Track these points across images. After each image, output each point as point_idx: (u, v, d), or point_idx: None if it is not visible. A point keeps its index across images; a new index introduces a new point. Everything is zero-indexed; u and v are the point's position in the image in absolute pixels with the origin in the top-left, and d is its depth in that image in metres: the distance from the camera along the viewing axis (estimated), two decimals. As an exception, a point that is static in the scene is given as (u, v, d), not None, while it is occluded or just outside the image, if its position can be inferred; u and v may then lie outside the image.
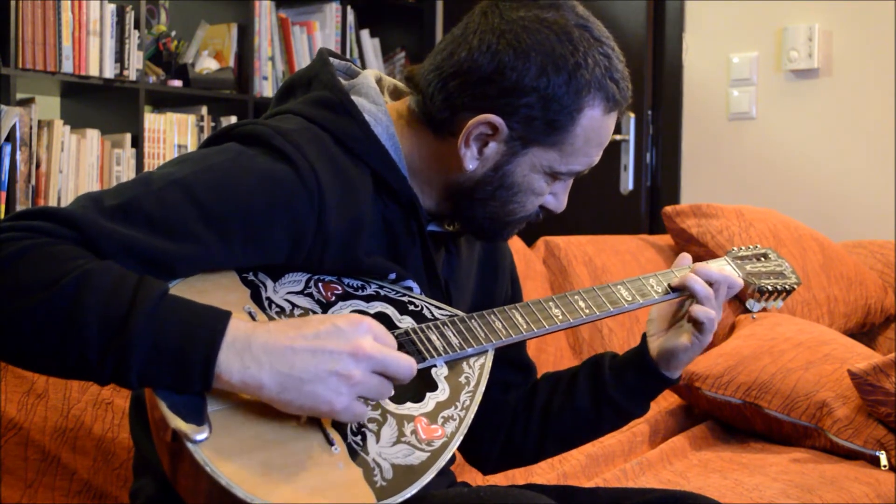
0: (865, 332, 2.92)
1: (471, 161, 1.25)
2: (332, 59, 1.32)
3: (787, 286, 1.53)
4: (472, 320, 1.27)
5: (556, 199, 1.32)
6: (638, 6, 3.81)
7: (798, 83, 3.53)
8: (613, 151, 3.90)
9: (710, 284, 1.37)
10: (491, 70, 1.21)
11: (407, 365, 1.06)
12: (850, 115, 3.42)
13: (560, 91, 1.21)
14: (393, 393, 1.09)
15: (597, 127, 1.25)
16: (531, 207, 1.30)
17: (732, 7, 3.65)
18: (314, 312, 1.17)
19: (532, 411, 1.48)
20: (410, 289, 1.27)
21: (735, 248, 1.56)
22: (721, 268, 1.45)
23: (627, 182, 3.89)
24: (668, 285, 1.40)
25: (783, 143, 3.56)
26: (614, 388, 1.43)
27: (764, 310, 1.57)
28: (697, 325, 1.35)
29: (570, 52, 1.21)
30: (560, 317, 1.32)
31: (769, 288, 1.51)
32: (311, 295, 1.18)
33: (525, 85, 1.21)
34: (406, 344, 1.20)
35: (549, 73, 1.20)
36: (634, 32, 3.80)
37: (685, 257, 1.44)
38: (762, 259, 1.56)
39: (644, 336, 1.43)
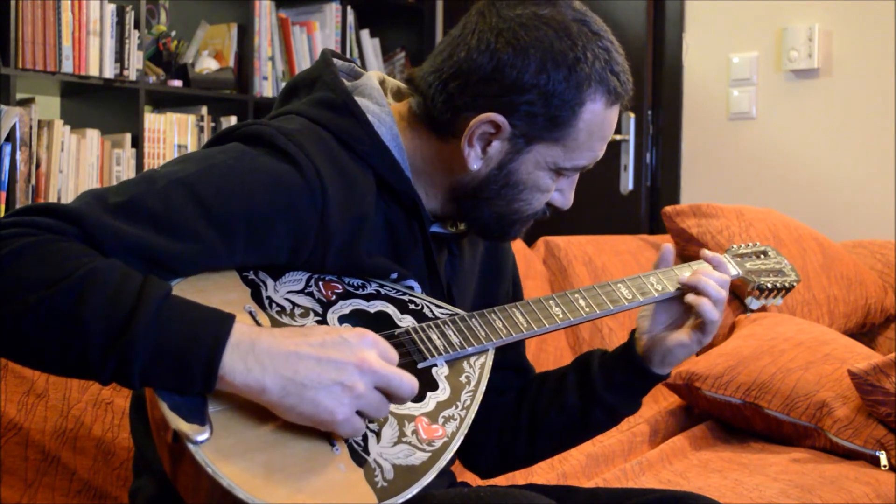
0: (865, 332, 2.92)
1: (475, 161, 1.26)
2: (335, 60, 1.32)
3: (786, 284, 1.54)
4: (473, 319, 1.27)
5: (563, 195, 1.32)
6: (638, 6, 3.81)
7: (798, 83, 3.52)
8: (613, 151, 3.90)
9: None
10: (490, 69, 1.21)
11: (409, 384, 1.05)
12: (850, 115, 3.42)
13: (560, 86, 1.21)
14: (388, 412, 1.08)
15: (599, 121, 1.25)
16: (538, 205, 1.30)
17: (732, 7, 3.65)
18: (315, 311, 1.17)
19: (521, 410, 1.47)
20: (412, 288, 1.27)
21: (735, 246, 1.57)
22: (720, 264, 1.45)
23: (627, 182, 3.89)
24: (679, 282, 1.39)
25: (783, 143, 3.56)
26: (603, 386, 1.41)
27: (763, 307, 1.58)
28: (704, 326, 1.35)
29: (568, 47, 1.21)
30: (560, 315, 1.32)
31: (769, 286, 1.52)
32: (311, 294, 1.18)
33: (525, 82, 1.21)
34: (406, 343, 1.20)
35: (548, 69, 1.20)
36: (634, 32, 3.80)
37: (668, 250, 1.43)
38: (762, 256, 1.57)
39: (632, 333, 1.43)
